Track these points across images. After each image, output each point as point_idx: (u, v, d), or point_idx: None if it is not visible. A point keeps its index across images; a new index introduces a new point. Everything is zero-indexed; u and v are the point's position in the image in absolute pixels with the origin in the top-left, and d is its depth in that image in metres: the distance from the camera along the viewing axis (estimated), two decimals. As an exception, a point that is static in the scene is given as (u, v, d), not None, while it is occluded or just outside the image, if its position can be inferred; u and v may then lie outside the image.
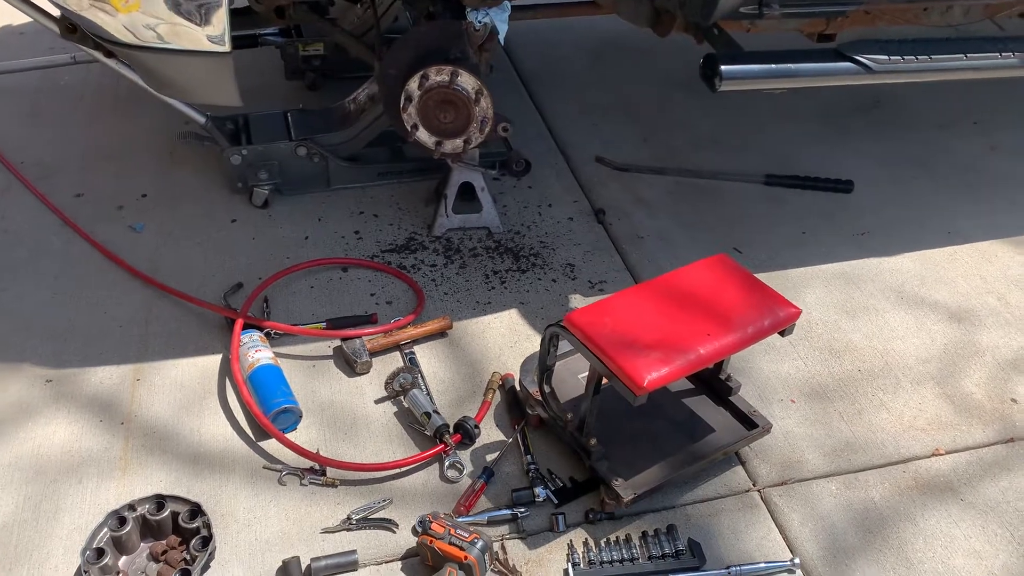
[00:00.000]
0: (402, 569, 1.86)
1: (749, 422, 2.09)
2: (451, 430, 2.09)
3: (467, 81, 2.33)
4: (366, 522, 1.93)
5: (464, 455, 2.10)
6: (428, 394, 2.22)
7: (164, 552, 1.82)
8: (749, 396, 2.24)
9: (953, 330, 2.50)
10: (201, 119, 2.75)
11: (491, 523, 1.94)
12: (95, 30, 2.09)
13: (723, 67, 2.27)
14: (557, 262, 2.69)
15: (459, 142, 2.45)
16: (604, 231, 2.83)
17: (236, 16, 2.82)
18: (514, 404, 2.20)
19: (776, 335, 1.95)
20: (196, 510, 1.86)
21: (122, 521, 1.81)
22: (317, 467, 2.03)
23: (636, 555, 1.89)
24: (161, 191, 2.90)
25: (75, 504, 1.95)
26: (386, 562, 1.87)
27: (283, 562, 1.83)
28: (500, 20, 2.29)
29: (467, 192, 2.76)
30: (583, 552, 1.90)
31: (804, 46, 2.51)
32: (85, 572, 1.73)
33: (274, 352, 2.27)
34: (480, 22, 2.28)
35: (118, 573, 1.79)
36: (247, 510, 1.95)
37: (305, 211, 2.84)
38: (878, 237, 2.83)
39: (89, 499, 1.96)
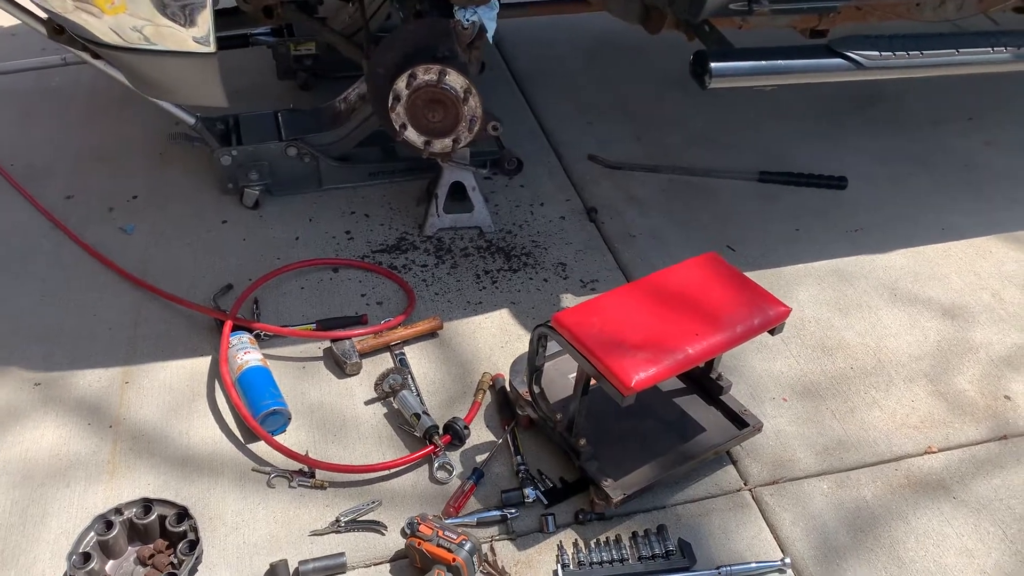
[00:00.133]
0: (391, 571, 1.85)
1: (740, 421, 2.08)
2: (440, 431, 2.08)
3: (455, 80, 2.32)
4: (355, 524, 1.92)
5: (454, 456, 2.09)
6: (418, 395, 2.21)
7: (151, 556, 1.82)
8: (741, 395, 2.23)
9: (946, 327, 2.49)
10: (191, 120, 2.74)
11: (480, 524, 1.93)
12: (80, 32, 2.08)
13: (713, 64, 2.26)
14: (549, 261, 2.68)
15: (448, 142, 2.43)
16: (596, 230, 2.82)
17: (225, 16, 2.84)
18: (504, 405, 2.19)
19: (766, 334, 1.94)
20: (183, 513, 1.85)
21: (109, 525, 1.81)
22: (306, 469, 2.02)
23: (626, 556, 1.88)
24: (152, 192, 2.89)
25: (62, 508, 1.94)
26: (375, 564, 1.86)
27: (271, 565, 1.82)
28: (488, 18, 2.27)
29: (458, 192, 2.75)
30: (573, 553, 1.89)
31: (795, 42, 2.49)
32: (71, 577, 1.73)
33: (263, 354, 2.26)
34: (468, 20, 2.26)
35: (105, 577, 1.79)
36: (235, 513, 1.95)
37: (296, 211, 2.83)
38: (872, 233, 2.82)
39: (77, 503, 1.95)
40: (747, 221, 2.86)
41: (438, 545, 1.77)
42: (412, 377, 2.27)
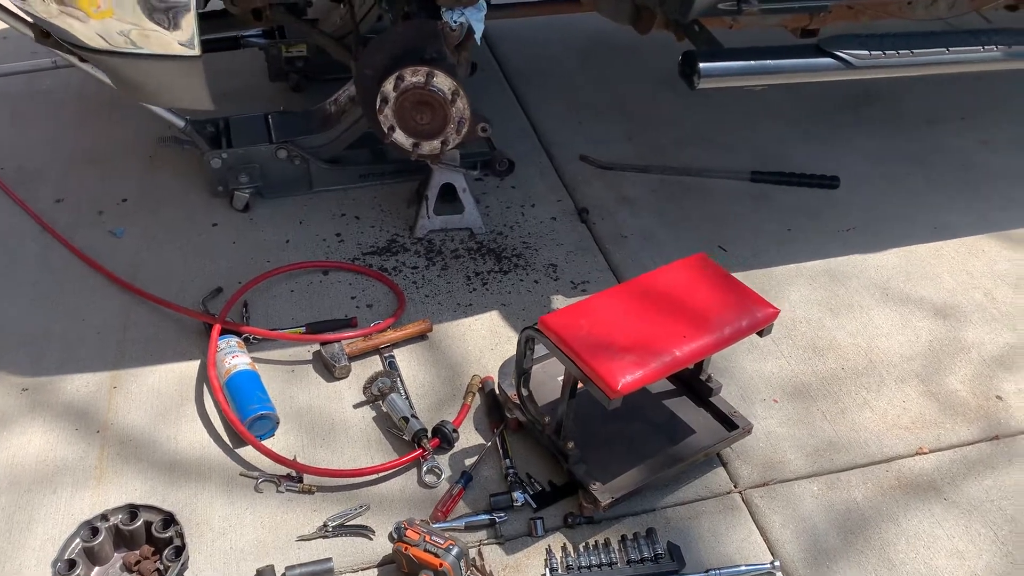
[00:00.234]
0: (378, 576, 1.85)
1: (730, 423, 2.07)
2: (429, 435, 2.07)
3: (443, 82, 2.31)
4: (342, 529, 1.91)
5: (443, 460, 2.08)
6: (407, 398, 2.20)
7: (137, 562, 1.81)
8: (731, 396, 2.22)
9: (938, 326, 2.48)
10: (180, 123, 2.73)
11: (468, 528, 1.93)
12: (64, 36, 2.07)
13: (702, 64, 2.25)
14: (540, 263, 2.67)
15: (436, 144, 2.42)
16: (588, 230, 2.81)
17: (215, 18, 2.83)
18: (494, 407, 2.19)
19: (755, 335, 1.93)
20: (169, 519, 1.84)
21: (94, 531, 1.80)
22: (294, 474, 2.02)
23: (615, 559, 1.87)
24: (142, 195, 2.88)
25: (49, 514, 1.93)
26: (362, 569, 1.86)
27: (257, 571, 1.82)
28: (476, 20, 2.27)
29: (449, 193, 2.74)
30: (561, 557, 1.88)
31: (786, 42, 2.49)
32: (57, 583, 1.72)
33: (252, 357, 2.26)
34: (456, 22, 2.25)
35: (91, 584, 1.78)
36: (222, 518, 1.94)
37: (286, 214, 2.82)
38: (864, 233, 2.81)
39: (63, 509, 1.95)
40: (739, 221, 2.85)
41: (425, 550, 1.76)
42: (401, 380, 2.26)
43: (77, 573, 1.74)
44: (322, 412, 2.19)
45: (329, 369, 2.27)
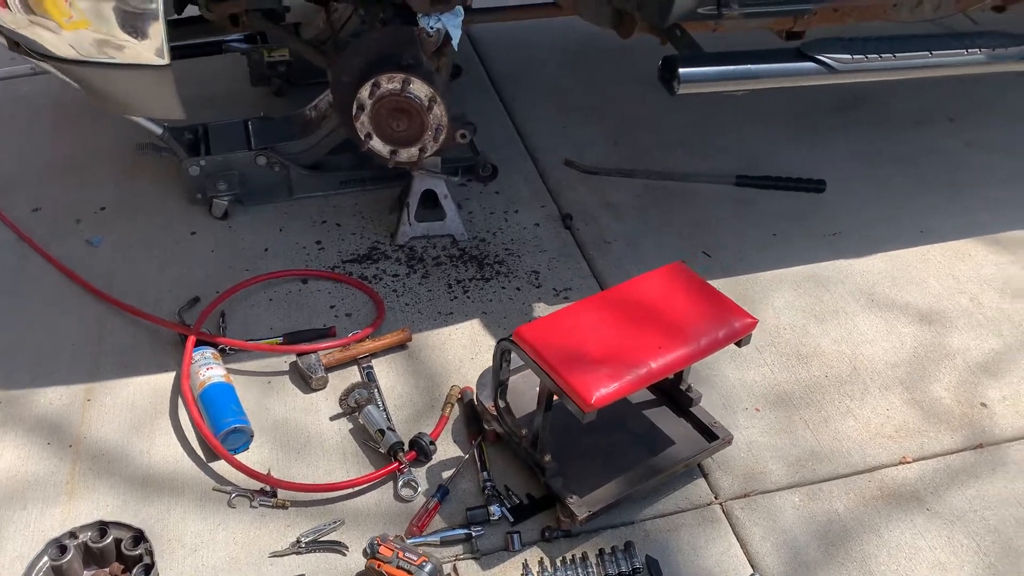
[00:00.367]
0: (351, 593, 1.82)
1: (710, 434, 2.05)
2: (406, 447, 2.05)
3: (419, 89, 2.28)
4: (316, 545, 1.89)
5: (420, 473, 2.05)
6: (384, 410, 2.18)
7: (106, 580, 1.78)
8: (713, 404, 2.20)
9: (923, 332, 2.46)
10: (158, 131, 2.70)
11: (444, 543, 1.90)
12: (32, 46, 2.04)
13: (681, 70, 2.22)
14: (522, 270, 2.64)
15: (414, 151, 2.40)
16: (571, 236, 2.78)
17: (196, 24, 2.81)
18: (472, 418, 2.16)
19: (733, 345, 1.91)
20: (139, 536, 1.81)
21: (63, 549, 1.77)
22: (268, 488, 1.99)
23: (592, 573, 1.84)
24: (120, 203, 2.85)
25: (18, 531, 1.91)
26: (335, 586, 1.83)
27: (228, 588, 1.79)
28: (453, 25, 2.24)
29: (431, 199, 2.71)
30: (538, 572, 1.85)
31: (768, 46, 2.46)
32: (23, 603, 1.69)
33: (228, 369, 2.23)
34: (432, 28, 2.23)
35: (60, 603, 1.75)
36: (194, 534, 1.91)
37: (266, 221, 2.79)
38: (850, 238, 2.78)
39: (33, 525, 1.92)
40: (723, 226, 2.82)
41: (398, 567, 1.73)
42: (379, 391, 2.23)
43: (45, 592, 1.71)
44: (298, 424, 2.16)
45: (306, 380, 2.24)
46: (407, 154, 2.41)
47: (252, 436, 2.10)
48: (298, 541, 1.88)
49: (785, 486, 2.05)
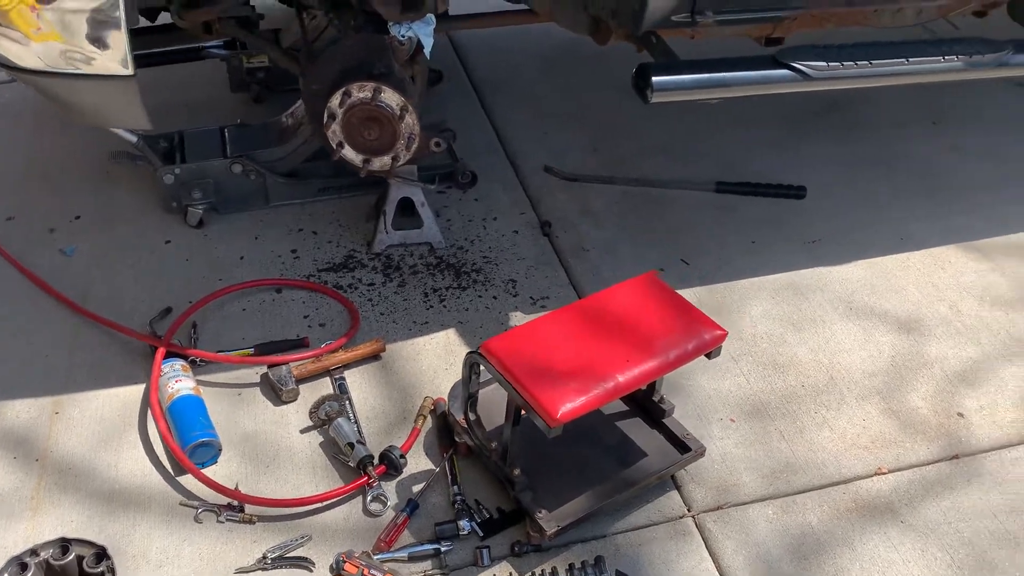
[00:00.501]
0: (318, 610, 1.80)
1: (682, 446, 2.03)
2: (376, 461, 2.03)
3: (391, 98, 2.26)
4: (282, 561, 1.86)
5: (389, 487, 2.03)
6: (355, 422, 2.15)
7: (68, 598, 1.76)
8: (688, 415, 2.18)
9: (901, 341, 2.44)
10: (132, 139, 2.68)
11: (412, 559, 1.88)
12: (-1, 58, 2.02)
13: (654, 78, 2.20)
14: (499, 278, 2.62)
15: (387, 160, 2.38)
16: (549, 244, 2.76)
17: (173, 31, 2.78)
18: (444, 431, 2.14)
19: (703, 357, 1.89)
20: (102, 554, 1.79)
21: (23, 567, 1.74)
22: (235, 503, 1.97)
23: (561, 589, 1.83)
24: (95, 212, 2.82)
25: (-20, 548, 1.89)
26: (301, 603, 1.81)
27: (192, 606, 1.77)
28: (424, 34, 2.22)
29: (408, 207, 2.69)
30: (506, 587, 1.84)
31: (743, 54, 2.43)
32: (-17, 623, 1.67)
33: (198, 381, 2.21)
34: (403, 36, 2.21)
35: (21, 621, 1.73)
36: (160, 550, 1.89)
37: (241, 230, 2.77)
38: (829, 245, 2.77)
39: (-4, 542, 1.90)
40: (702, 233, 2.80)
41: (363, 584, 1.71)
42: (351, 403, 2.21)
43: (4, 611, 1.69)
44: (267, 438, 2.14)
45: (276, 393, 2.22)
46: (380, 163, 2.39)
47: (220, 450, 2.07)
48: (264, 557, 1.86)
49: (759, 498, 2.03)
